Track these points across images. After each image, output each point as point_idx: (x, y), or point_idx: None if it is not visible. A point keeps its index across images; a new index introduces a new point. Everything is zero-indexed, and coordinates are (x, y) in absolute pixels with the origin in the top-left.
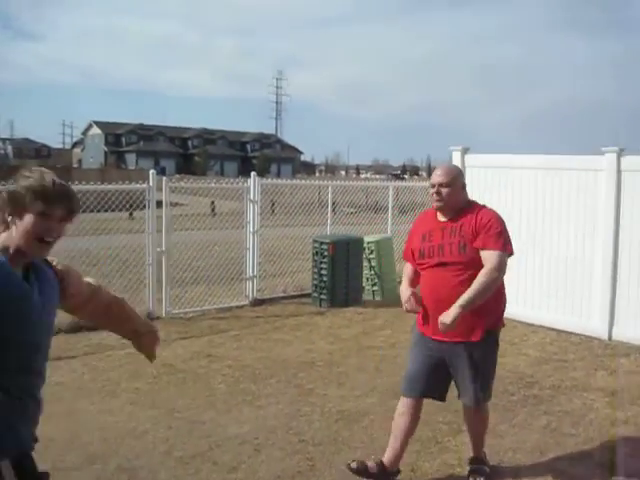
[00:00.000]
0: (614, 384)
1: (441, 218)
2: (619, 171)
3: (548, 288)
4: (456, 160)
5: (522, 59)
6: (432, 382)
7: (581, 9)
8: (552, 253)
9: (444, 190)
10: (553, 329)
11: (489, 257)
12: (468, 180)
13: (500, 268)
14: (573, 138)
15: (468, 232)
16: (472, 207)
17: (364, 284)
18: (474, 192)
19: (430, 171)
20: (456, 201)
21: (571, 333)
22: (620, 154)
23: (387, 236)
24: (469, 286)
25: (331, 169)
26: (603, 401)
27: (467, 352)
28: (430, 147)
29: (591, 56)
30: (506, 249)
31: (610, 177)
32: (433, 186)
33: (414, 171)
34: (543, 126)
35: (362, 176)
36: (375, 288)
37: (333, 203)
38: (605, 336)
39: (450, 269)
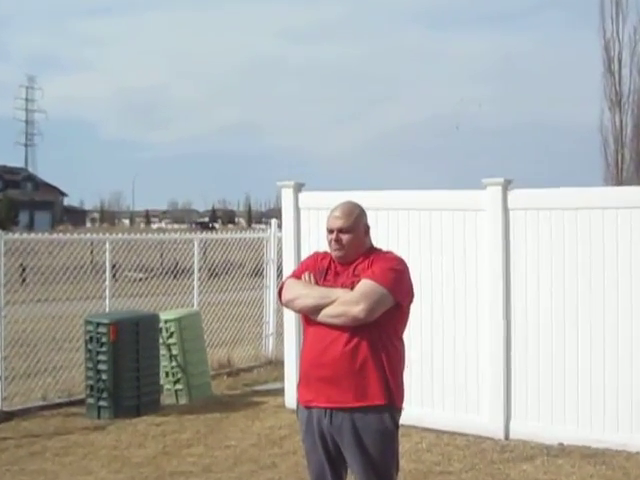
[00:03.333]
0: None
1: (339, 265)
2: (506, 209)
3: (419, 375)
4: (287, 200)
5: (363, 60)
6: None
7: None
8: (422, 327)
9: (345, 237)
10: (430, 429)
11: (358, 285)
12: (304, 226)
13: (361, 298)
14: (442, 169)
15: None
16: (374, 252)
17: (163, 381)
18: (312, 244)
19: (250, 216)
20: (359, 248)
21: (454, 433)
22: (507, 187)
23: (193, 310)
24: (362, 352)
25: (109, 217)
26: None
27: (354, 428)
28: (250, 183)
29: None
30: (385, 283)
31: (495, 219)
32: (331, 231)
33: (228, 217)
34: (397, 153)
35: (154, 226)
36: (179, 387)
37: (113, 266)
38: (500, 434)
39: (341, 328)
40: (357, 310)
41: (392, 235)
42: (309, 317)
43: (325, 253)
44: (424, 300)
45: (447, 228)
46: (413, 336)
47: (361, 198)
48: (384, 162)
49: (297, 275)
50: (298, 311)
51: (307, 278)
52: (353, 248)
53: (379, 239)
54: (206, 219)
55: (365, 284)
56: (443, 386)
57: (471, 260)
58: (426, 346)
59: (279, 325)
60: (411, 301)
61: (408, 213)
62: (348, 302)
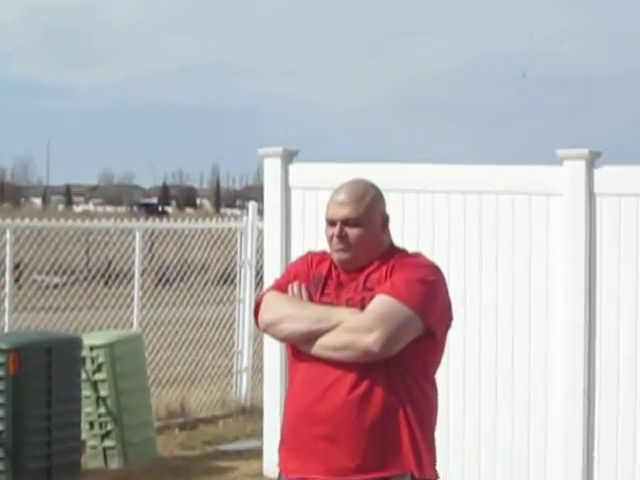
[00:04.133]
0: None
1: (343, 273)
2: (591, 194)
3: (460, 435)
4: (273, 175)
5: None
6: None
7: None
8: (465, 363)
9: (353, 232)
10: None
11: (371, 303)
12: (296, 213)
13: (375, 322)
14: (497, 134)
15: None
16: (396, 255)
17: (86, 436)
18: (307, 239)
19: (219, 197)
20: (373, 248)
21: None
22: (593, 163)
23: (132, 333)
24: (377, 401)
25: (12, 194)
26: None
27: None
28: (219, 150)
29: None
30: (411, 301)
31: (575, 207)
32: (332, 223)
33: (187, 198)
34: (433, 111)
35: (79, 208)
36: (109, 443)
37: (16, 266)
38: None
39: (345, 366)
40: (370, 340)
41: (424, 228)
42: (299, 348)
43: (324, 254)
44: (469, 325)
45: (505, 220)
46: (452, 377)
47: (378, 174)
48: (413, 123)
49: (282, 286)
50: (283, 339)
51: (296, 291)
52: (365, 248)
53: (405, 234)
54: (154, 200)
55: (382, 302)
56: (494, 454)
57: (539, 267)
58: (471, 392)
59: (257, 357)
60: (449, 326)
61: (448, 197)
62: (357, 328)
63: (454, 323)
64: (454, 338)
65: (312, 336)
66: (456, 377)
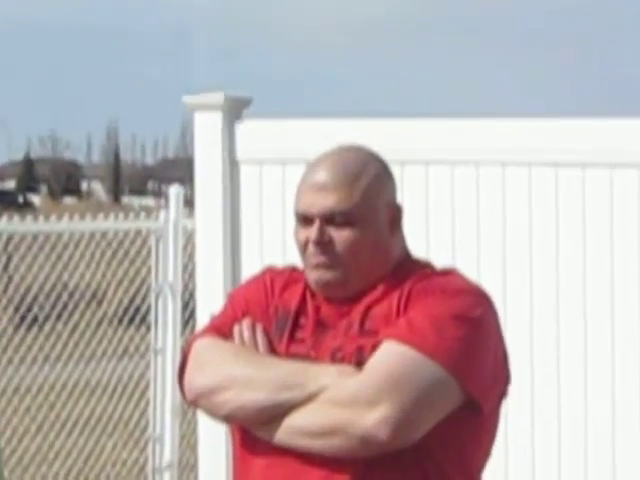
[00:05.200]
0: None
1: (325, 304)
2: None
3: None
4: (208, 139)
5: None
6: None
7: None
8: (535, 452)
9: (342, 235)
10: None
11: (374, 357)
12: (247, 201)
13: (382, 390)
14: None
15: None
16: (412, 274)
17: None
18: (267, 248)
19: (119, 178)
20: (376, 263)
21: None
22: None
23: None
24: None
25: None
26: None
27: None
28: (118, 98)
29: None
30: (441, 354)
31: None
32: (306, 221)
33: (65, 179)
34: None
35: None
36: None
37: None
38: None
39: (332, 463)
40: (373, 420)
41: (464, 224)
42: (253, 434)
43: (293, 273)
44: (538, 388)
45: (595, 205)
46: (511, 474)
47: (388, 136)
48: (440, 51)
49: (223, 328)
50: (225, 418)
51: (247, 336)
52: (361, 263)
53: (430, 237)
54: (10, 184)
55: (393, 354)
56: None
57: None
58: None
59: (187, 446)
60: (504, 394)
61: (503, 170)
62: (351, 400)
63: (513, 387)
64: (515, 410)
65: (275, 413)
66: (520, 474)
